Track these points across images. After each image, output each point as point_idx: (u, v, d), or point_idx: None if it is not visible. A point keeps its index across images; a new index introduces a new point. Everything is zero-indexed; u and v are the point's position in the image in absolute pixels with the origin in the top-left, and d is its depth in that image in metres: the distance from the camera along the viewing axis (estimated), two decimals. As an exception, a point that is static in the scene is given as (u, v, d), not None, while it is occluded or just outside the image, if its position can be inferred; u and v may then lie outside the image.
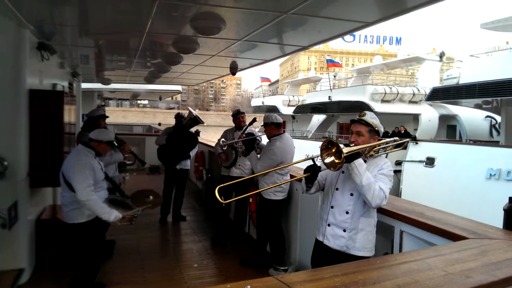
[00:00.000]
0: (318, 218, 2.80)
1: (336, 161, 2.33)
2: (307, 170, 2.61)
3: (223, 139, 5.24)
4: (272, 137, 4.35)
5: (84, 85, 9.72)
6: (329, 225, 2.62)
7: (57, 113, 4.26)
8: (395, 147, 2.82)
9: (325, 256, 2.61)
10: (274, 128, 4.38)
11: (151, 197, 4.33)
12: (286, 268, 4.18)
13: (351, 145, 2.52)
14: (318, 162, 2.62)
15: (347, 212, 2.55)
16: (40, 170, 4.07)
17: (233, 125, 5.59)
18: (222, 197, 2.39)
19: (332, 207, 2.62)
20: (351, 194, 2.56)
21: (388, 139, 2.76)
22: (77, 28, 4.15)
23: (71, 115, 5.18)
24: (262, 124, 4.50)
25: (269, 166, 4.11)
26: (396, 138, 2.87)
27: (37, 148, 4.04)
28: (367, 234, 2.56)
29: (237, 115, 5.55)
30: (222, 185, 2.59)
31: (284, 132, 4.48)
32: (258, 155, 4.42)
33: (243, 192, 4.94)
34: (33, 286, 3.84)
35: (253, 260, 4.52)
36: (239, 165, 5.32)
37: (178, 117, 6.54)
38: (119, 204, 3.80)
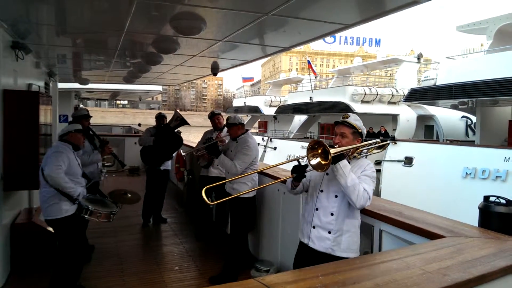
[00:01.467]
0: (302, 220, 2.79)
1: (323, 162, 2.34)
2: (293, 170, 2.61)
3: (181, 150, 5.21)
4: (239, 137, 4.37)
5: (61, 85, 9.48)
6: (314, 227, 2.61)
7: (33, 114, 4.15)
8: (377, 149, 2.87)
9: (310, 258, 2.58)
10: (241, 127, 4.43)
11: (129, 194, 4.32)
12: (268, 269, 4.19)
13: (335, 146, 2.52)
14: (303, 163, 2.62)
15: (332, 214, 2.56)
16: (15, 173, 3.95)
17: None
18: (209, 198, 2.44)
19: (317, 209, 2.62)
20: (336, 196, 2.56)
21: (371, 141, 2.79)
22: (53, 27, 4.05)
23: (47, 115, 5.04)
24: (226, 124, 4.52)
25: (247, 163, 4.15)
26: (378, 140, 2.91)
27: (11, 150, 3.92)
28: (351, 235, 2.57)
29: (213, 117, 5.58)
30: (208, 186, 2.60)
31: (247, 130, 4.53)
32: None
33: (223, 193, 4.95)
34: (9, 292, 3.73)
35: (223, 276, 4.21)
36: (217, 165, 5.31)
37: (160, 117, 6.46)
38: (98, 202, 3.81)
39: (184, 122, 6.18)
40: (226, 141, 4.92)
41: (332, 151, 2.30)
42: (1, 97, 3.79)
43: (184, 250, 5.16)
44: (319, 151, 2.36)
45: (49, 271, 3.79)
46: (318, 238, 2.58)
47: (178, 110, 6.37)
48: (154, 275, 4.31)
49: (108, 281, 4.09)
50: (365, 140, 2.74)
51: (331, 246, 2.54)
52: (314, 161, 2.37)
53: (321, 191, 2.62)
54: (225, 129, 5.39)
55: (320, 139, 2.43)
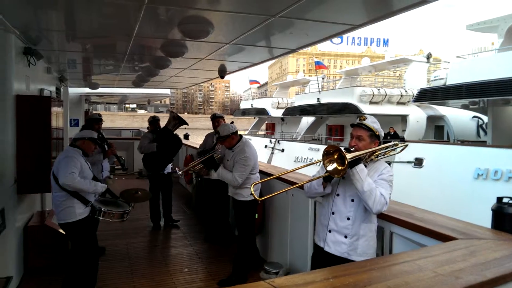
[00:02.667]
0: (317, 224, 2.77)
1: (339, 167, 2.29)
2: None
3: (177, 168, 5.21)
4: (234, 146, 4.25)
5: (72, 90, 9.60)
6: (330, 231, 2.59)
7: (45, 119, 4.21)
8: (394, 151, 2.80)
9: (325, 262, 2.54)
10: (234, 137, 4.27)
11: (139, 192, 4.38)
12: (277, 271, 4.18)
13: (351, 149, 2.48)
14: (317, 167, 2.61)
15: (348, 218, 2.52)
16: (28, 176, 4.02)
17: None
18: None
19: (333, 213, 2.58)
20: (352, 200, 2.52)
21: (387, 144, 2.73)
22: (63, 33, 4.10)
23: (59, 120, 5.11)
24: (218, 138, 4.36)
25: (247, 173, 4.11)
26: (396, 142, 2.84)
27: (24, 154, 3.98)
28: (368, 239, 2.54)
29: (214, 120, 5.60)
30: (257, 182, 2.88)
31: (241, 136, 4.38)
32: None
33: (225, 195, 4.89)
34: (22, 294, 3.78)
35: (232, 278, 4.22)
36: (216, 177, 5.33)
37: (154, 121, 6.38)
38: (110, 203, 3.88)
39: (182, 122, 6.15)
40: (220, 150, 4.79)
41: (348, 156, 2.26)
42: (14, 102, 3.86)
43: (193, 252, 5.17)
44: (335, 156, 2.32)
45: (62, 273, 3.84)
46: (334, 243, 2.56)
47: (173, 111, 6.36)
48: (164, 276, 4.34)
49: (118, 282, 4.14)
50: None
51: (348, 251, 2.51)
52: (330, 167, 2.33)
53: (337, 195, 2.59)
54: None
55: (336, 145, 2.38)
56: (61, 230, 4.09)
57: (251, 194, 2.55)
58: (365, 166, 2.47)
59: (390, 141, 2.90)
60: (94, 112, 6.98)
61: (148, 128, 6.70)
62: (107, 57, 5.69)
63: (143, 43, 4.34)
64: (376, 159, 2.59)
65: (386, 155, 2.75)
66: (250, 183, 4.14)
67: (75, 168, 3.42)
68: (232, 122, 5.67)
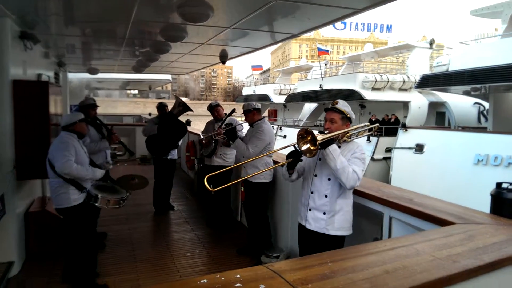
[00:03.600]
0: (299, 204, 2.95)
1: (312, 148, 2.49)
2: (289, 156, 2.74)
3: (201, 134, 5.23)
4: (255, 123, 4.45)
5: (71, 75, 9.54)
6: (310, 209, 2.80)
7: (43, 104, 4.18)
8: (367, 132, 3.02)
9: (307, 238, 2.83)
10: (256, 113, 4.51)
11: (136, 179, 4.36)
12: (278, 255, 4.22)
13: (325, 132, 2.67)
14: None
15: (326, 196, 2.73)
16: (27, 162, 4.02)
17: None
18: (211, 185, 2.61)
19: (312, 193, 2.79)
20: (329, 179, 2.73)
21: (358, 125, 2.93)
22: (60, 17, 4.05)
23: (57, 106, 5.09)
24: (243, 112, 4.58)
25: (260, 147, 4.23)
26: (367, 123, 3.06)
27: (23, 140, 3.98)
28: (344, 214, 2.75)
29: (212, 109, 5.60)
30: (210, 174, 2.80)
31: (264, 117, 4.61)
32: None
33: (229, 181, 5.02)
34: (24, 279, 3.83)
35: (249, 248, 4.57)
36: (220, 154, 5.41)
37: (161, 106, 6.41)
38: (107, 189, 3.85)
39: (187, 108, 6.14)
40: (244, 126, 4.98)
41: (319, 137, 2.47)
42: (11, 87, 3.83)
43: (195, 236, 5.22)
44: (309, 138, 2.51)
45: (63, 258, 3.89)
46: (314, 219, 2.78)
47: (178, 97, 6.33)
48: (166, 260, 4.38)
49: (121, 267, 4.18)
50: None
51: (326, 226, 2.73)
52: (304, 147, 2.53)
53: (315, 175, 2.80)
54: (228, 118, 5.40)
55: (308, 128, 2.58)
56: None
57: (205, 185, 2.63)
58: (339, 146, 2.71)
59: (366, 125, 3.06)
60: (89, 97, 6.80)
61: (150, 114, 6.68)
62: (106, 42, 5.62)
63: (142, 27, 4.29)
64: (349, 140, 2.80)
65: (358, 136, 2.95)
66: (261, 164, 4.31)
67: (71, 154, 3.39)
68: (233, 109, 5.68)
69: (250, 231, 4.63)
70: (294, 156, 2.70)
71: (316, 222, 2.76)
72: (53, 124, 4.48)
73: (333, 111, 2.76)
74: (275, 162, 4.47)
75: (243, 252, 4.59)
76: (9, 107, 3.83)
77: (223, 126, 5.08)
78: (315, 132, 2.51)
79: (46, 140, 4.19)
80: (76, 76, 10.16)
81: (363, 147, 2.86)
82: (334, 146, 2.56)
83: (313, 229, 2.78)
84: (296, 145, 2.64)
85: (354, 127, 2.85)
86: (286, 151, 2.89)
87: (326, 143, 2.53)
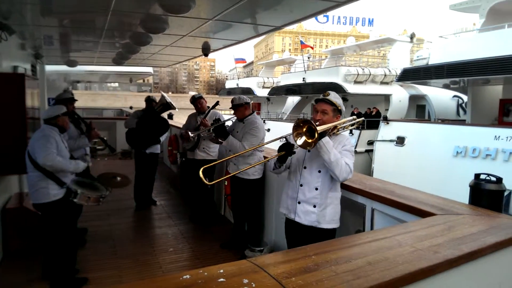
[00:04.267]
0: (285, 197, 2.89)
1: (309, 140, 2.41)
2: (281, 148, 2.66)
3: (190, 132, 5.12)
4: (246, 118, 4.34)
5: (49, 68, 9.27)
6: (299, 202, 2.74)
7: (19, 98, 4.05)
8: (352, 126, 3.04)
9: (297, 232, 2.77)
10: (247, 108, 4.40)
11: (118, 178, 4.28)
12: (261, 248, 4.22)
13: (316, 123, 2.58)
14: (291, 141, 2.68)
15: (316, 189, 2.69)
16: (3, 157, 3.90)
17: None
18: (207, 178, 2.51)
19: (301, 185, 2.73)
20: (319, 172, 2.68)
21: (349, 118, 2.93)
22: (37, 6, 3.90)
23: (34, 99, 4.93)
24: (232, 106, 4.43)
25: (255, 144, 4.11)
26: (354, 117, 3.08)
27: (-2, 135, 3.84)
28: (334, 207, 2.73)
29: (195, 101, 5.54)
30: (206, 166, 2.71)
31: (253, 111, 4.52)
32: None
33: (211, 174, 5.03)
34: (2, 277, 3.72)
35: (233, 242, 4.56)
36: (203, 148, 5.35)
37: (148, 100, 6.35)
38: (86, 185, 3.76)
39: (167, 107, 6.10)
40: (209, 125, 4.86)
41: (318, 128, 2.39)
42: (-15, 80, 3.69)
43: (178, 232, 5.18)
44: (304, 129, 2.44)
45: (42, 255, 3.79)
46: (304, 213, 2.72)
47: (164, 94, 6.27)
48: (148, 256, 4.33)
49: (103, 263, 4.11)
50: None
51: (317, 219, 2.69)
52: (300, 141, 2.45)
53: (305, 167, 2.74)
54: (210, 113, 5.35)
55: (306, 118, 2.52)
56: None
57: (201, 178, 2.53)
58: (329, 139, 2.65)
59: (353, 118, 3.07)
60: (65, 90, 6.55)
61: (131, 107, 6.57)
62: (84, 33, 5.46)
63: (121, 18, 4.18)
64: (337, 132, 2.77)
65: (344, 129, 2.94)
66: (255, 160, 4.21)
67: (52, 146, 3.32)
68: (217, 102, 5.62)
69: (236, 226, 4.60)
70: (287, 149, 2.63)
71: (306, 215, 2.70)
72: (30, 118, 4.34)
73: (324, 102, 2.70)
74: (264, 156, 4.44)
75: (227, 246, 4.58)
76: (-16, 101, 3.69)
77: (211, 122, 4.97)
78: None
79: (23, 135, 4.07)
80: (54, 69, 9.89)
81: None
82: (327, 139, 2.53)
83: (303, 223, 2.72)
84: (290, 137, 2.58)
85: (344, 120, 2.82)
86: (274, 144, 2.87)
87: (320, 136, 2.46)
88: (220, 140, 4.29)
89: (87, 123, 4.76)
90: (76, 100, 4.83)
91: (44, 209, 3.44)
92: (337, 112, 2.71)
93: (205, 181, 2.52)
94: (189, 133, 5.07)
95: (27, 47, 6.09)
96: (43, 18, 4.39)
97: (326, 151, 2.49)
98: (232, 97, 4.65)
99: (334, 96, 2.73)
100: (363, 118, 3.22)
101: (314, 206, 2.68)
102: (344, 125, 2.86)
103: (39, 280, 3.65)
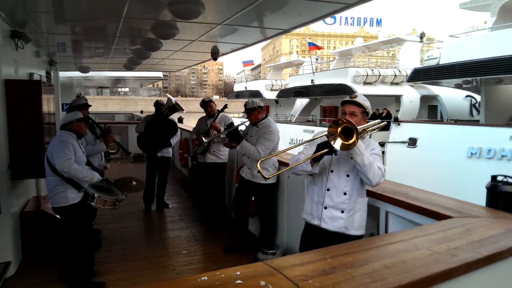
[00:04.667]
0: (309, 202, 2.78)
1: (347, 142, 2.26)
2: (322, 147, 2.49)
3: (204, 138, 5.16)
4: (260, 122, 4.33)
5: (62, 74, 9.43)
6: (325, 207, 2.62)
7: (35, 103, 4.13)
8: (377, 129, 2.93)
9: (321, 239, 2.61)
10: (260, 112, 4.38)
11: (134, 182, 4.36)
12: (274, 251, 4.22)
13: None
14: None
15: (345, 193, 2.58)
16: (21, 161, 3.99)
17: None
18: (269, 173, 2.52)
19: (328, 190, 2.62)
20: (348, 175, 2.58)
21: (374, 121, 2.84)
22: (51, 15, 3.99)
23: (50, 105, 5.03)
24: (245, 110, 4.44)
25: (270, 148, 4.10)
26: (379, 119, 2.99)
27: (17, 140, 3.94)
28: (362, 213, 2.63)
29: (205, 105, 5.59)
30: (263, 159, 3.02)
31: (267, 115, 4.50)
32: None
33: (223, 178, 5.03)
34: (21, 279, 3.80)
35: (237, 246, 4.56)
36: (214, 151, 5.38)
37: (157, 104, 6.43)
38: (103, 190, 3.86)
39: (174, 109, 6.15)
40: (222, 129, 4.89)
41: (359, 127, 2.28)
42: (3, 87, 3.78)
43: (191, 234, 5.21)
44: (338, 130, 2.29)
45: (60, 257, 3.86)
46: (330, 218, 2.60)
47: (170, 97, 6.33)
48: (162, 259, 4.37)
49: (118, 265, 4.16)
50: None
51: (345, 225, 2.57)
52: (337, 144, 2.31)
53: (331, 171, 2.62)
54: (220, 116, 5.39)
55: (343, 118, 2.36)
56: (57, 215, 4.09)
57: (258, 171, 2.54)
58: None
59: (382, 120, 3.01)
60: (79, 96, 6.68)
61: (141, 111, 6.65)
62: (97, 40, 5.56)
63: (133, 24, 4.25)
64: (364, 135, 2.66)
65: (371, 132, 2.85)
66: (269, 165, 4.20)
67: (71, 153, 3.38)
68: (226, 105, 5.66)
69: (239, 229, 4.57)
70: (329, 147, 2.43)
71: (333, 221, 2.59)
72: (46, 123, 4.43)
73: (353, 104, 2.60)
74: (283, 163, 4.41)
75: (231, 249, 4.55)
76: (2, 107, 3.78)
77: (222, 125, 4.99)
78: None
79: (40, 139, 4.16)
80: (67, 75, 10.05)
81: None
82: (359, 141, 2.37)
83: (329, 229, 2.60)
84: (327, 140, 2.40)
85: (373, 122, 2.75)
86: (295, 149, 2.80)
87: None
88: (234, 144, 4.29)
89: (102, 128, 4.83)
90: (90, 106, 4.90)
91: (63, 212, 3.51)
92: (365, 114, 2.62)
93: (264, 176, 2.61)
94: (203, 138, 5.11)
95: (42, 54, 6.22)
96: (57, 26, 4.48)
97: (359, 153, 2.38)
98: (245, 101, 4.65)
99: (362, 99, 2.64)
100: (391, 121, 3.17)
101: (342, 212, 2.58)
102: (374, 127, 2.77)
103: (57, 282, 3.72)
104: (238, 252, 4.50)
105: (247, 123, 4.65)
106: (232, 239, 4.80)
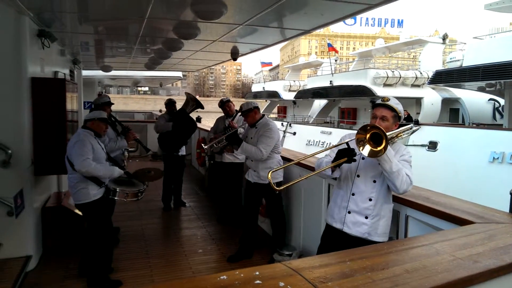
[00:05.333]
0: (332, 205, 2.74)
1: (376, 149, 2.21)
2: (342, 154, 2.44)
3: (202, 144, 5.23)
4: (257, 122, 4.34)
5: (85, 73, 9.65)
6: (349, 212, 2.57)
7: (60, 101, 4.25)
8: (408, 134, 2.81)
9: (342, 243, 2.54)
10: (257, 112, 4.38)
11: (152, 172, 4.40)
12: (290, 253, 4.21)
13: None
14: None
15: (370, 199, 2.51)
16: (44, 158, 4.09)
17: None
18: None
19: (353, 194, 2.56)
20: (374, 181, 2.51)
21: (405, 127, 2.69)
22: (76, 15, 4.09)
23: (73, 102, 5.15)
24: (241, 114, 4.43)
25: (271, 146, 4.11)
26: (411, 124, 2.84)
27: (40, 136, 4.05)
28: (387, 220, 2.56)
29: (224, 105, 5.64)
30: (274, 169, 2.91)
31: (264, 115, 4.51)
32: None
33: (241, 178, 5.03)
34: (41, 273, 3.89)
35: (240, 255, 4.39)
36: (239, 153, 5.37)
37: (170, 103, 6.46)
38: (125, 183, 3.94)
39: (199, 105, 6.17)
40: (237, 127, 4.87)
41: (388, 134, 2.21)
42: (30, 84, 3.90)
43: (207, 233, 5.25)
44: (367, 136, 2.24)
45: (79, 253, 3.95)
46: (354, 224, 2.55)
47: (189, 93, 6.37)
48: (179, 257, 4.42)
49: (135, 262, 4.23)
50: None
51: (368, 231, 2.51)
52: (365, 150, 2.26)
53: (358, 176, 2.56)
54: (237, 116, 5.42)
55: (372, 124, 2.30)
56: (77, 211, 4.19)
57: (269, 182, 2.50)
58: None
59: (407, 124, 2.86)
60: (102, 94, 6.84)
61: (160, 110, 6.74)
62: (119, 40, 5.67)
63: (155, 24, 4.31)
64: (394, 141, 2.55)
65: (403, 137, 2.74)
66: (274, 164, 4.19)
67: (89, 152, 3.44)
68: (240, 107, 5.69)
69: (244, 235, 4.46)
70: (349, 155, 2.40)
71: (357, 226, 2.52)
72: (69, 121, 4.54)
73: (385, 107, 2.49)
74: (287, 159, 4.45)
75: (235, 259, 4.34)
76: (28, 104, 3.90)
77: (239, 125, 5.01)
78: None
79: (63, 136, 4.27)
80: (88, 74, 10.28)
81: None
82: (388, 147, 2.27)
83: (352, 234, 2.54)
84: (352, 143, 2.38)
85: (405, 127, 2.63)
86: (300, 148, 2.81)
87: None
88: (234, 148, 4.29)
89: (123, 126, 4.95)
90: (113, 104, 5.02)
91: (86, 208, 3.59)
92: (397, 119, 2.50)
93: (275, 187, 2.52)
94: (202, 145, 5.22)
95: (66, 53, 6.38)
96: (81, 25, 4.59)
97: (387, 159, 2.30)
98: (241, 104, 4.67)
99: (394, 102, 2.52)
100: (408, 123, 3.08)
101: (366, 217, 2.51)
102: (405, 133, 2.66)
103: (76, 276, 3.80)
104: (241, 260, 4.34)
105: (246, 126, 4.65)
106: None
